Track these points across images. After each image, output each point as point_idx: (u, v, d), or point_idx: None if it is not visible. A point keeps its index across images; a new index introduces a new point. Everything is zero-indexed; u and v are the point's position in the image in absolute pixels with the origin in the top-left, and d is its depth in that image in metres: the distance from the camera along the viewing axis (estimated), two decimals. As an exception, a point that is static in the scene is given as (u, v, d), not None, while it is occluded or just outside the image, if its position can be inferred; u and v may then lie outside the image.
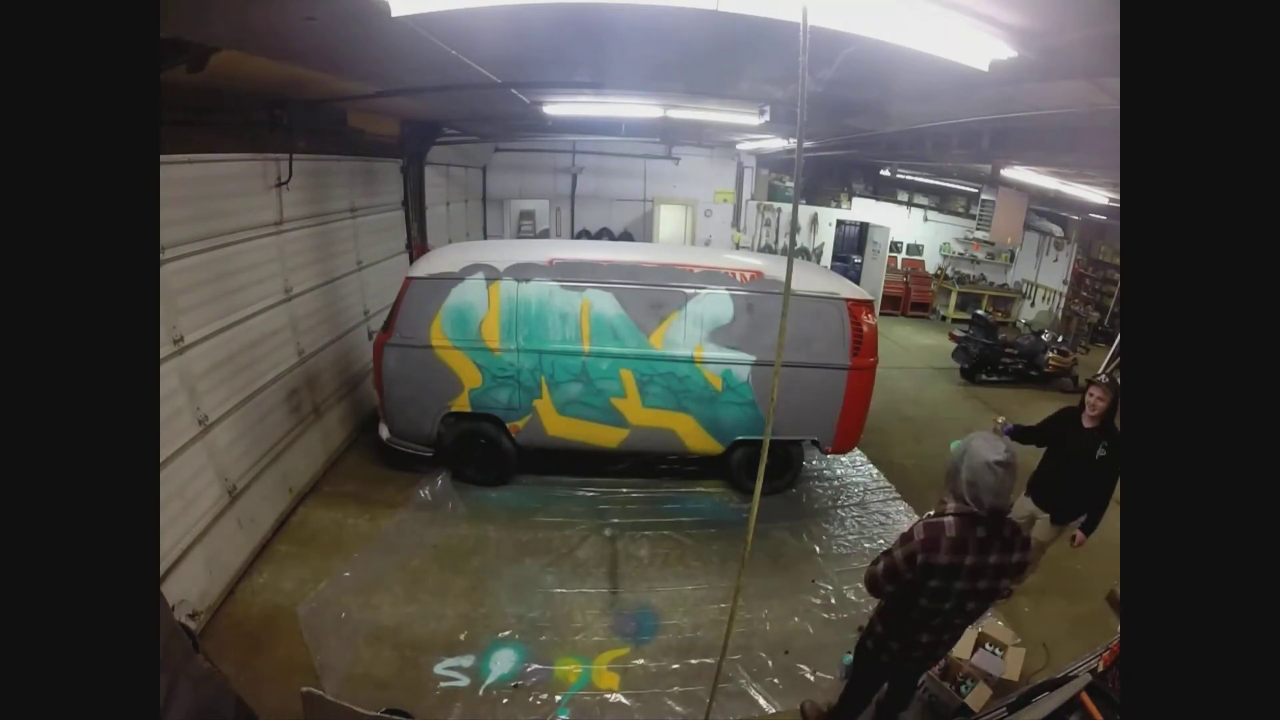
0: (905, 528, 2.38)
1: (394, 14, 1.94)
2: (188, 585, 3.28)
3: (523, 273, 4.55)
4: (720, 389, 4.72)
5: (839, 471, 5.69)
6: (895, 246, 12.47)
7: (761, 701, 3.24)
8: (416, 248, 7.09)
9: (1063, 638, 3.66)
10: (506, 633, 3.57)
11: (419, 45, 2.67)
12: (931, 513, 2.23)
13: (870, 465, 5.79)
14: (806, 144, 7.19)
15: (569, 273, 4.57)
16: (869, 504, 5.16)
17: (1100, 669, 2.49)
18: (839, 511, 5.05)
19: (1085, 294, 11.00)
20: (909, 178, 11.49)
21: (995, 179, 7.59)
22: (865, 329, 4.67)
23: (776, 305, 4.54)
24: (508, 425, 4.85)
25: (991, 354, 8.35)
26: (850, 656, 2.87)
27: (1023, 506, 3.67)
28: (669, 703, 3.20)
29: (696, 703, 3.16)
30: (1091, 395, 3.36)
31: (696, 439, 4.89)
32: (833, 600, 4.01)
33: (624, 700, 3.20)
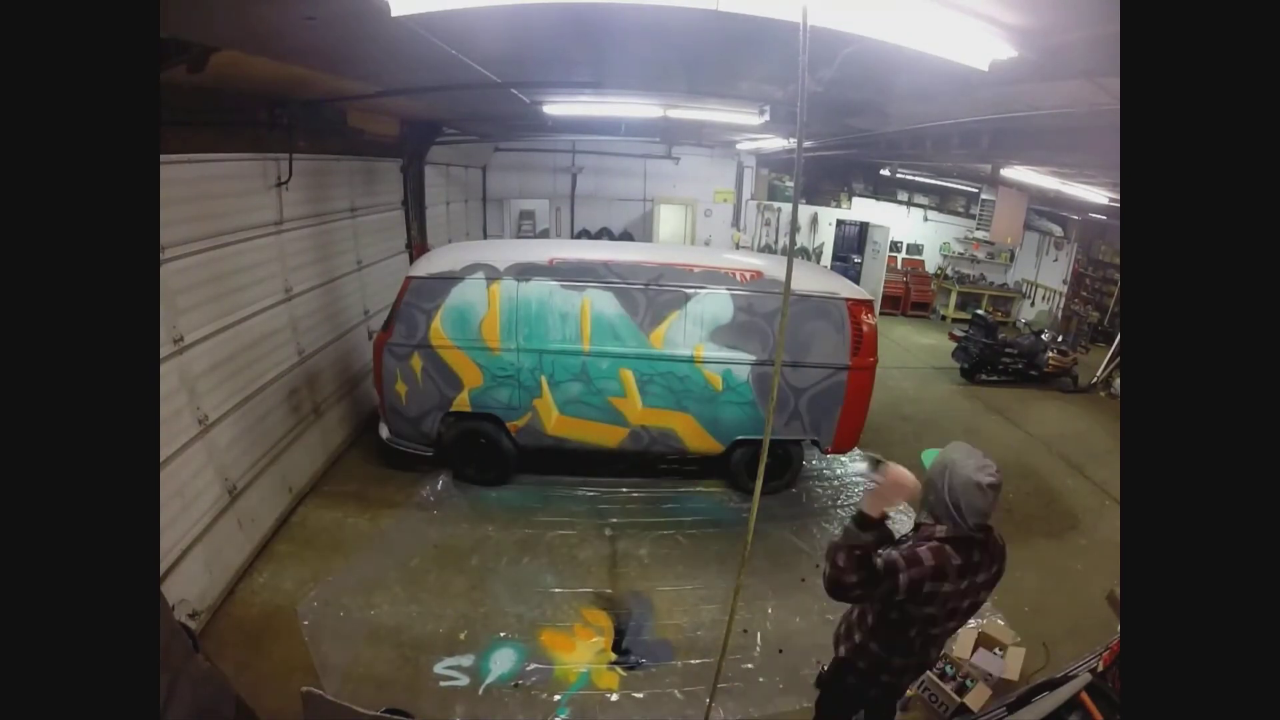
0: (903, 528, 2.33)
1: (394, 14, 1.94)
2: (188, 585, 3.28)
3: (523, 272, 4.54)
4: (720, 388, 4.72)
5: (839, 471, 5.68)
6: (895, 246, 12.45)
7: (761, 701, 3.23)
8: (416, 247, 7.08)
9: (1063, 638, 3.66)
10: (506, 632, 3.57)
11: (419, 45, 2.68)
12: (913, 538, 2.08)
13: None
14: (806, 144, 7.20)
15: (569, 272, 4.57)
16: (869, 504, 5.16)
17: (1100, 669, 2.49)
18: (839, 511, 5.05)
19: (1085, 294, 10.99)
20: (909, 177, 11.47)
21: (995, 179, 7.58)
22: (865, 329, 4.67)
23: (776, 305, 4.56)
24: (507, 424, 4.85)
25: (991, 354, 8.35)
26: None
27: None
28: (669, 703, 3.20)
29: (696, 702, 3.16)
30: None
31: (696, 438, 4.89)
32: (833, 600, 4.00)
33: (624, 700, 3.21)
